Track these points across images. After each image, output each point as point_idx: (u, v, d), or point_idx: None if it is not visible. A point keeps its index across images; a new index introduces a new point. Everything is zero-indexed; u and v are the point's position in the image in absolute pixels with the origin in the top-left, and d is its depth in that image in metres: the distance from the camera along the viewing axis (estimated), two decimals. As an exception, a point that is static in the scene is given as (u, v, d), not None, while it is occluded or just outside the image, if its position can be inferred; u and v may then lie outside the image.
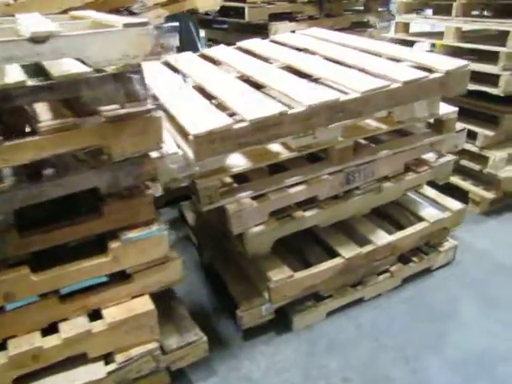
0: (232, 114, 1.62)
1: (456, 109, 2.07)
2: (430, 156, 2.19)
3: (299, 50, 2.34)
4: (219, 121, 1.47)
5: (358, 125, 1.91)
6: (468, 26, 2.70)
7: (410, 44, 3.17)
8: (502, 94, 2.58)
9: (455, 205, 2.30)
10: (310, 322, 2.06)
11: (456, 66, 1.81)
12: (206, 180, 1.65)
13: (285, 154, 1.79)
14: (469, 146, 2.85)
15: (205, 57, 2.38)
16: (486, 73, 2.61)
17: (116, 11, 2.77)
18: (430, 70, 1.85)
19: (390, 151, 1.98)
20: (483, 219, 2.89)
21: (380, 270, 2.19)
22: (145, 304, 1.54)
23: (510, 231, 2.75)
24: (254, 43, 2.51)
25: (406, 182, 2.10)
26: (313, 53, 2.23)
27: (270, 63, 2.19)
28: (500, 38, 2.62)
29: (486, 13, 3.19)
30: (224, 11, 3.38)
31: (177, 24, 6.35)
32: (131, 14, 2.79)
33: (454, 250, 2.42)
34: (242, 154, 1.75)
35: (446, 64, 1.83)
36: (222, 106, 1.67)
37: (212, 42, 3.83)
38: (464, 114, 2.94)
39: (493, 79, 2.60)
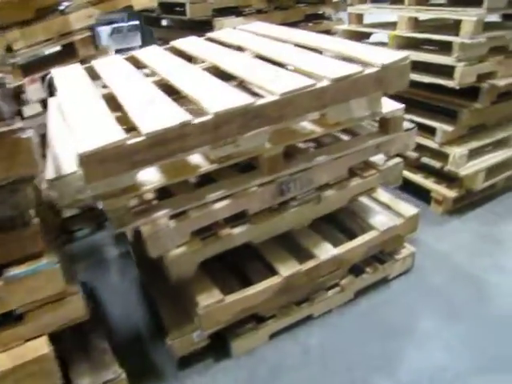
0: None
1: (402, 106, 1.89)
2: (379, 158, 2.01)
3: (234, 47, 2.14)
4: (110, 136, 1.27)
5: (291, 128, 1.72)
6: (421, 15, 2.52)
7: (367, 36, 3.00)
8: (457, 87, 2.41)
9: (409, 210, 2.12)
10: (251, 346, 1.89)
11: (393, 59, 1.62)
12: (113, 201, 1.45)
13: (205, 167, 1.60)
14: (429, 143, 2.69)
15: (131, 59, 2.17)
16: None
17: (43, 10, 2.57)
18: (366, 65, 1.66)
19: (329, 156, 1.79)
20: (446, 219, 2.73)
21: (328, 284, 2.01)
22: (39, 348, 1.34)
23: (474, 231, 2.59)
24: (186, 42, 2.31)
25: (350, 189, 1.92)
26: (246, 50, 2.04)
27: (198, 63, 2.00)
28: (457, 27, 2.44)
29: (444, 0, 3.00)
30: (169, 7, 3.16)
31: (137, 23, 6.14)
32: (60, 13, 2.57)
33: (413, 257, 2.26)
34: (158, 168, 1.56)
35: (382, 57, 1.64)
36: (123, 119, 1.47)
37: (162, 40, 3.61)
38: (422, 109, 2.78)
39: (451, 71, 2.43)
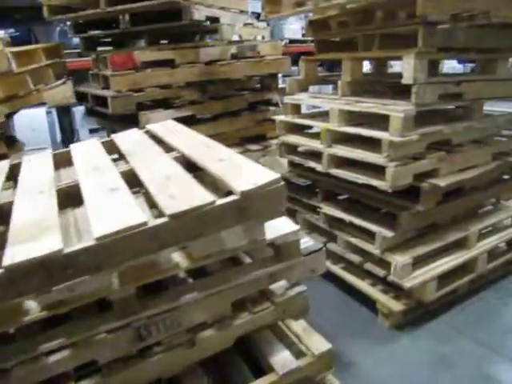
0: None
1: (296, 228, 1.60)
2: (279, 285, 1.70)
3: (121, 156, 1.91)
4: None
5: (147, 263, 1.43)
6: (350, 108, 2.27)
7: (309, 127, 2.75)
8: (389, 190, 2.12)
9: (320, 346, 1.76)
10: None
11: (258, 184, 1.33)
12: None
13: (33, 315, 1.31)
14: (371, 248, 2.37)
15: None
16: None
17: None
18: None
19: (204, 292, 1.49)
20: (394, 335, 2.35)
21: None
22: None
23: (423, 352, 2.22)
24: (83, 146, 2.09)
25: (236, 328, 1.59)
26: (124, 162, 1.80)
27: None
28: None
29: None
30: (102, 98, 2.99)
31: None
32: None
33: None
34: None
35: (247, 181, 1.36)
36: None
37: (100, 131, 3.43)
38: (366, 208, 2.49)
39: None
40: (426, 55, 2.02)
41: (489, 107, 2.56)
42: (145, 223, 1.22)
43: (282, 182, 1.38)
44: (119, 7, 2.73)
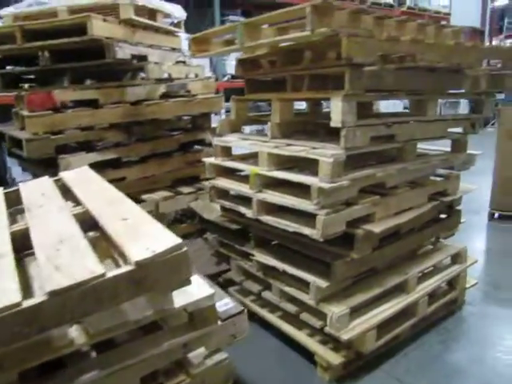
0: None
1: (211, 292, 1.44)
2: (197, 353, 1.53)
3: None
4: None
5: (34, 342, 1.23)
6: (278, 151, 2.16)
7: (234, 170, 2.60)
8: (320, 239, 2.00)
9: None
10: None
11: (156, 252, 1.17)
12: None
13: None
14: (306, 297, 2.24)
15: None
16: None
17: None
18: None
19: (103, 371, 1.30)
20: (333, 391, 2.21)
21: None
22: None
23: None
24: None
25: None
26: (22, 217, 1.61)
27: None
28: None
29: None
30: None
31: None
32: None
33: None
34: None
35: (144, 246, 1.19)
36: None
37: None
38: (298, 255, 2.36)
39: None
40: (353, 97, 1.94)
41: (427, 145, 2.54)
42: (19, 304, 1.03)
43: (185, 249, 1.22)
44: (37, 43, 2.55)
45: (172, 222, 3.03)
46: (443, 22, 15.68)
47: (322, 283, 2.13)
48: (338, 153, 1.94)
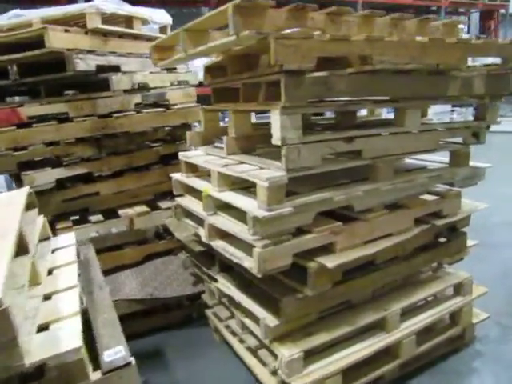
0: None
1: (78, 345, 1.24)
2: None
3: None
4: None
5: None
6: (225, 170, 1.91)
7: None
8: (259, 275, 1.74)
9: None
10: None
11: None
12: None
13: None
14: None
15: None
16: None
17: None
18: None
19: None
20: None
21: None
22: None
23: None
24: None
25: None
26: None
27: None
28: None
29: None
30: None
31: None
32: None
33: None
34: None
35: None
36: None
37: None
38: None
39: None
40: (295, 109, 1.65)
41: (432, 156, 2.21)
42: None
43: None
44: (4, 57, 2.48)
45: (154, 237, 2.87)
46: (502, 11, 14.34)
47: (272, 321, 1.87)
48: (276, 176, 1.67)
